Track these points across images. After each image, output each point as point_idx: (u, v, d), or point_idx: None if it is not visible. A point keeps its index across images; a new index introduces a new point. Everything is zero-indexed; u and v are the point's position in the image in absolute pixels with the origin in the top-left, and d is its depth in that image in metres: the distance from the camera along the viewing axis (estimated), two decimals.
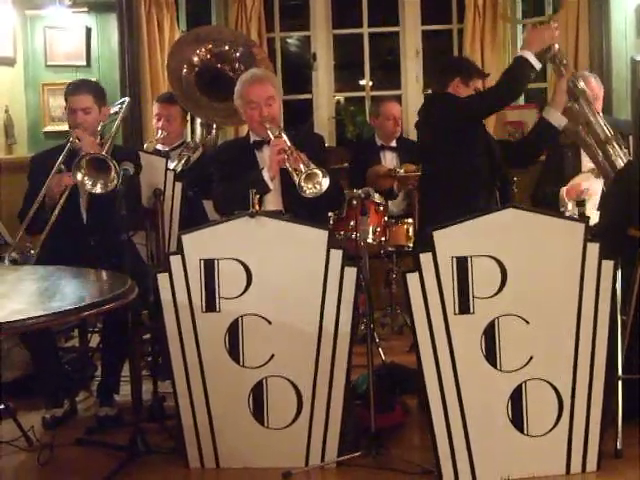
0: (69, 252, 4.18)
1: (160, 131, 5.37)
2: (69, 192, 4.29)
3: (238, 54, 5.57)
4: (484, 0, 6.68)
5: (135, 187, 4.36)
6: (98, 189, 4.13)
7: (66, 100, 4.49)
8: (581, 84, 4.44)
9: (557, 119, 4.39)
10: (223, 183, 4.25)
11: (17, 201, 4.53)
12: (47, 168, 4.33)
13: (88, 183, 4.13)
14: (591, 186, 4.74)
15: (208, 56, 5.55)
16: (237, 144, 4.55)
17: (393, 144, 6.08)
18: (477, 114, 4.38)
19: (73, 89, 4.47)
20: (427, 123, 4.54)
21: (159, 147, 5.34)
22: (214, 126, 5.69)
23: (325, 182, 4.00)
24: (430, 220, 3.88)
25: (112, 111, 4.75)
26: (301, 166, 4.04)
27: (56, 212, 4.25)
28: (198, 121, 5.69)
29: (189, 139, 5.78)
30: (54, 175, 4.28)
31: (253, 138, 4.35)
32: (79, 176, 4.11)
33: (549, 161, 5.32)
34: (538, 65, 4.27)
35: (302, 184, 3.99)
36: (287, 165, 4.09)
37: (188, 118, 5.65)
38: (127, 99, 5.03)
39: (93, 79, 5.76)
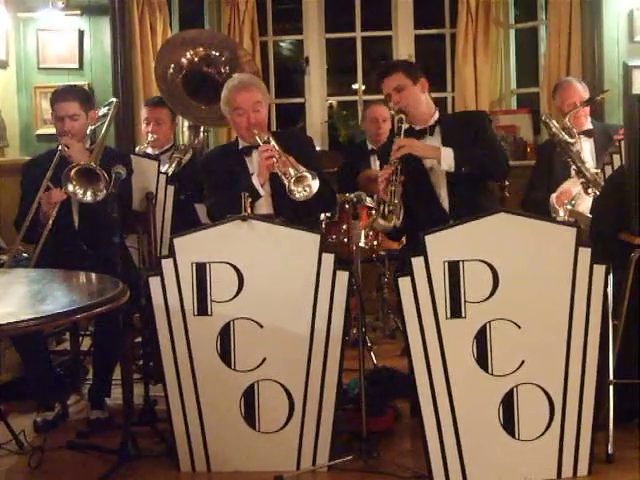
0: (61, 257, 4.17)
1: (150, 135, 5.36)
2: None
3: (223, 57, 5.57)
4: (477, 4, 6.69)
5: (126, 190, 4.35)
6: (88, 198, 4.12)
7: (52, 107, 4.45)
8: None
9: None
10: (215, 193, 4.23)
11: (10, 204, 4.54)
12: (37, 176, 4.32)
13: (79, 192, 4.12)
14: (581, 191, 4.73)
15: (195, 59, 5.55)
16: (225, 151, 4.49)
17: None
18: None
19: (58, 96, 4.42)
20: None
21: (149, 151, 5.31)
22: (202, 128, 5.68)
23: (315, 184, 3.99)
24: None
25: (100, 113, 4.73)
26: (290, 170, 4.03)
27: (50, 222, 4.25)
28: (185, 124, 5.68)
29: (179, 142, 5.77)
30: (43, 193, 4.26)
31: (242, 144, 4.34)
32: (70, 187, 4.10)
33: (538, 167, 5.26)
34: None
35: (292, 187, 3.98)
36: (276, 169, 4.08)
37: (177, 121, 5.63)
38: (114, 100, 5.01)
39: (80, 83, 5.80)
